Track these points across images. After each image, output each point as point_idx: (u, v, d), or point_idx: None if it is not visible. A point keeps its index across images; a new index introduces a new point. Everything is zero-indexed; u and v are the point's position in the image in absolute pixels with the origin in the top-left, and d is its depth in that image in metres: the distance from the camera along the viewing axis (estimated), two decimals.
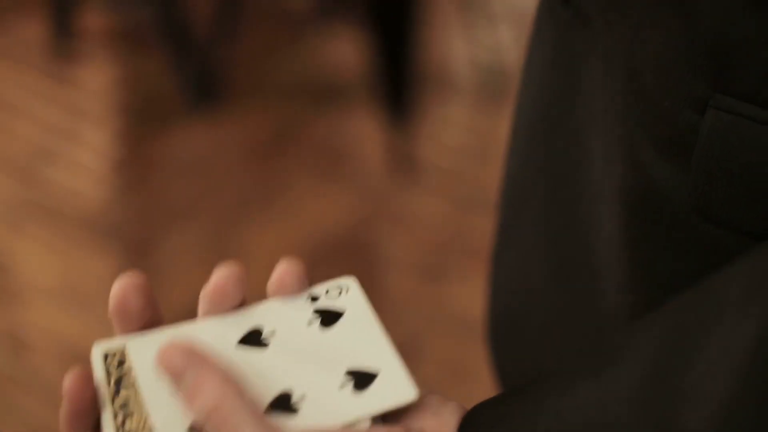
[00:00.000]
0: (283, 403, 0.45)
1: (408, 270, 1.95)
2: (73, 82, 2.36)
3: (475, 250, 1.98)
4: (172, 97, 2.30)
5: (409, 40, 2.14)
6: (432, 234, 2.02)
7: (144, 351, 0.49)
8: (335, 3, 2.48)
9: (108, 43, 2.44)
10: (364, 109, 2.26)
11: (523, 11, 2.43)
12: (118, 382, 0.49)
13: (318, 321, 0.49)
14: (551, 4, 0.56)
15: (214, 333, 0.49)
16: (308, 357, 0.47)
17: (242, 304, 0.49)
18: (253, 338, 0.48)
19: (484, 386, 1.78)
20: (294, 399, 0.45)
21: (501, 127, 2.26)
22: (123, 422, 0.47)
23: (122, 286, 0.47)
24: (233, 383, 0.43)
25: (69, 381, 0.46)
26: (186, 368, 0.43)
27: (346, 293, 0.50)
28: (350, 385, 0.46)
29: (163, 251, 1.96)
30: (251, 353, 0.47)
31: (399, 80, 2.16)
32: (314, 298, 0.50)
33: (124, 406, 0.48)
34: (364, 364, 0.46)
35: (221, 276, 0.48)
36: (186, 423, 0.45)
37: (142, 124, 2.25)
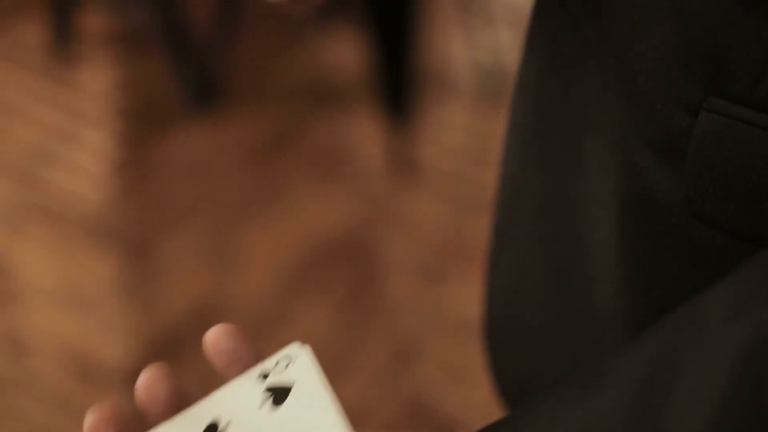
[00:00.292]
0: None
1: (407, 271, 1.95)
2: (73, 84, 2.36)
3: (474, 252, 1.98)
4: (171, 99, 2.30)
5: (408, 42, 2.14)
6: (431, 235, 2.02)
7: None
8: (334, 5, 2.48)
9: (108, 46, 2.44)
10: (364, 110, 2.26)
11: (522, 13, 2.43)
12: None
13: (270, 400, 0.48)
14: (546, 8, 0.56)
15: None
16: None
17: (177, 395, 0.49)
18: None
19: (483, 388, 1.78)
20: None
21: (500, 129, 2.26)
22: None
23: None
24: None
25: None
26: None
27: (296, 363, 0.50)
28: None
29: (162, 253, 1.97)
30: None
31: (398, 82, 2.16)
32: (265, 375, 0.49)
33: None
34: None
35: (145, 378, 0.49)
36: None
37: (141, 126, 2.25)
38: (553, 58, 0.56)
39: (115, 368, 1.78)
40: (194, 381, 1.91)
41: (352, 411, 1.88)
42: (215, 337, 0.49)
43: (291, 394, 0.48)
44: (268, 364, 0.50)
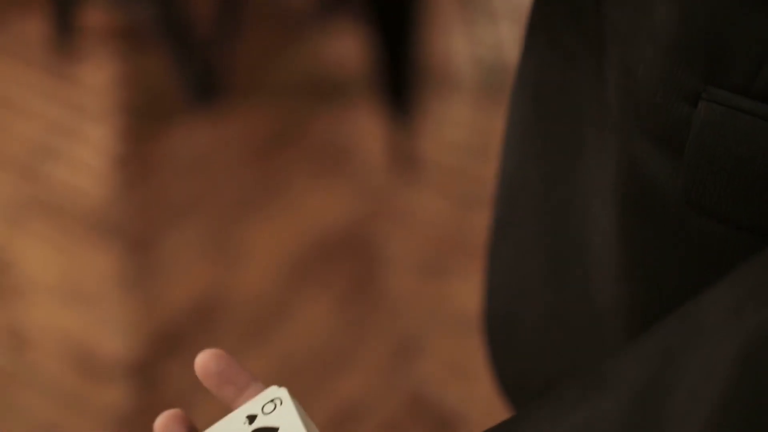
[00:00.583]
0: None
1: (408, 267, 1.95)
2: (75, 79, 2.36)
3: (475, 248, 1.98)
4: (173, 94, 2.30)
5: (410, 38, 2.14)
6: (433, 231, 2.02)
7: None
8: (336, 0, 2.48)
9: (109, 41, 2.44)
10: (365, 106, 2.26)
11: (523, 9, 2.43)
12: None
13: None
14: (545, 0, 0.56)
15: None
16: None
17: None
18: None
19: (483, 383, 1.79)
20: None
21: (502, 125, 2.26)
22: None
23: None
24: None
25: None
26: None
27: (280, 407, 0.51)
28: None
29: (163, 247, 1.97)
30: None
31: (400, 77, 2.16)
32: (252, 418, 0.52)
33: None
34: None
35: (161, 422, 0.52)
36: None
37: (143, 121, 2.25)
38: (553, 50, 0.56)
39: (116, 362, 1.78)
40: (194, 374, 1.92)
41: (353, 405, 1.90)
42: (204, 362, 0.51)
43: None
44: (254, 407, 0.52)
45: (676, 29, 0.44)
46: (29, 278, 1.94)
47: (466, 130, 2.24)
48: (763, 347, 0.36)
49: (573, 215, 0.56)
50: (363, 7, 2.23)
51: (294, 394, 1.71)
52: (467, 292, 1.90)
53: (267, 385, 1.58)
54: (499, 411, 1.72)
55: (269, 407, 0.51)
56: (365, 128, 2.23)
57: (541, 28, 0.58)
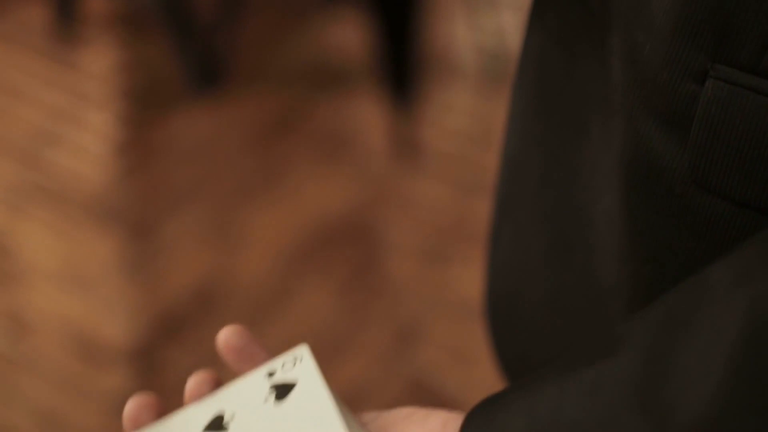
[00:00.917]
0: None
1: (409, 253, 1.95)
2: (76, 65, 2.36)
3: (476, 234, 1.98)
4: (174, 81, 2.30)
5: (412, 25, 2.13)
6: (434, 218, 2.02)
7: None
8: None
9: (111, 27, 2.44)
10: (367, 93, 2.26)
11: None
12: None
13: (273, 396, 0.51)
14: None
15: (185, 423, 0.52)
16: None
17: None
18: (217, 424, 0.51)
19: (484, 369, 1.79)
20: None
21: (503, 112, 2.26)
22: None
23: (135, 406, 0.51)
24: None
25: None
26: None
27: (300, 363, 0.52)
28: None
29: (164, 233, 1.97)
30: None
31: (402, 65, 2.16)
32: (271, 374, 0.52)
33: None
34: None
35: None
36: None
37: (144, 107, 2.25)
38: (557, 30, 0.56)
39: (116, 348, 1.79)
40: (195, 359, 1.93)
41: (355, 391, 1.90)
42: (226, 336, 0.52)
43: (293, 391, 0.51)
44: (275, 363, 0.52)
45: (682, 7, 0.44)
46: (30, 264, 1.94)
47: (468, 118, 2.24)
48: None
49: (576, 196, 0.56)
50: None
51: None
52: (468, 278, 1.90)
53: None
54: None
55: (289, 364, 0.52)
56: (367, 115, 2.23)
57: (544, 9, 0.58)
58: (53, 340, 1.81)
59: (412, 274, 1.91)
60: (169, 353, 1.77)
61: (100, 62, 2.36)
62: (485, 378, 1.76)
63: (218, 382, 0.52)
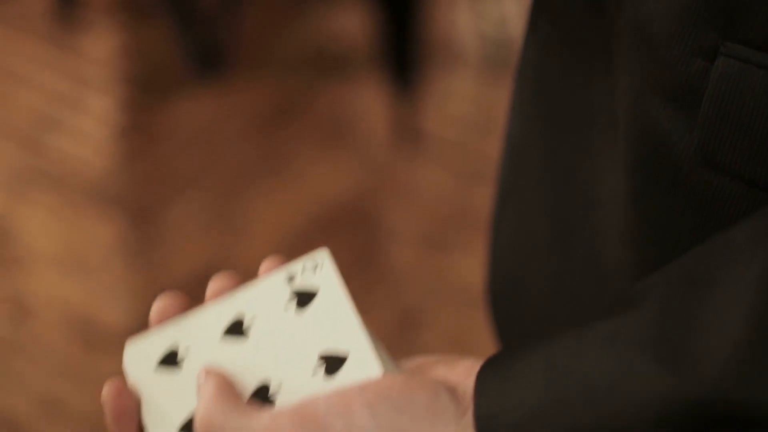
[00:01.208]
0: (262, 395, 0.47)
1: (410, 240, 1.95)
2: (77, 50, 2.35)
3: (477, 221, 1.98)
4: (176, 66, 2.29)
5: (414, 12, 2.13)
6: (435, 205, 2.02)
7: (139, 353, 0.51)
8: None
9: (112, 12, 2.43)
10: (369, 80, 2.26)
11: None
12: None
13: (294, 302, 0.50)
14: None
15: (203, 326, 0.51)
16: (285, 343, 0.49)
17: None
18: (236, 328, 0.50)
19: (485, 355, 1.79)
20: (271, 390, 0.47)
21: (505, 100, 2.26)
22: None
23: (163, 305, 0.51)
24: (224, 389, 0.46)
25: (107, 390, 0.48)
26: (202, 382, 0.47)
27: (321, 269, 0.51)
28: (322, 370, 0.47)
29: (166, 219, 1.97)
30: (234, 344, 0.50)
31: (404, 52, 2.15)
32: (291, 278, 0.51)
33: None
34: (335, 347, 0.48)
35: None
36: (177, 423, 0.48)
37: (145, 93, 2.25)
38: (563, 7, 0.56)
39: (117, 333, 1.79)
40: None
41: None
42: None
43: (315, 300, 0.50)
44: (294, 267, 0.52)
45: None
46: (31, 248, 1.94)
47: (470, 105, 2.24)
48: None
49: (579, 176, 0.56)
50: None
51: None
52: (469, 265, 1.90)
53: None
54: None
55: (309, 269, 0.52)
56: (369, 102, 2.23)
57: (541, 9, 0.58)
58: (54, 325, 1.81)
59: (413, 261, 1.91)
60: None
61: (101, 47, 2.35)
62: None
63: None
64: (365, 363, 0.47)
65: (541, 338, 0.44)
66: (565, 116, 0.57)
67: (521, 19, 2.36)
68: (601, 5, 0.51)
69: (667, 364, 0.39)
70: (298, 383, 0.47)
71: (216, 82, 2.27)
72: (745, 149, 0.44)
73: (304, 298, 0.50)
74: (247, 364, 0.49)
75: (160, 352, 0.50)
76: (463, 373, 0.46)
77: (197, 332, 0.51)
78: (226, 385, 0.46)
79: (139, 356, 0.51)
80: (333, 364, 0.47)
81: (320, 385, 0.47)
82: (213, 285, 0.51)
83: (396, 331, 1.80)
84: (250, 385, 0.48)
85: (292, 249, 1.92)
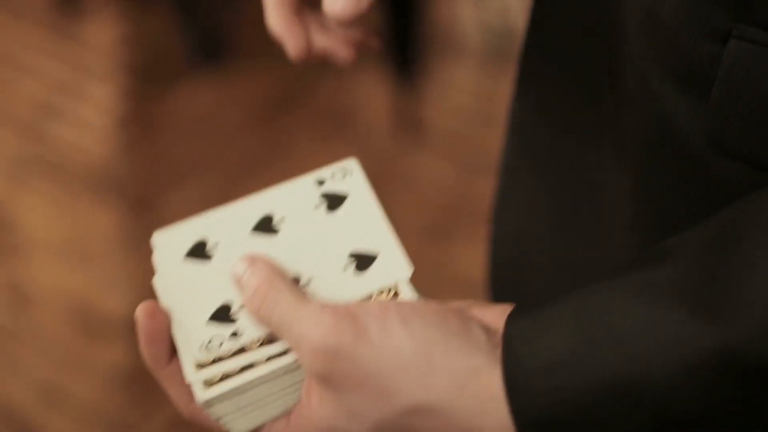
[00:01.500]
0: None
1: (411, 231, 1.95)
2: (79, 38, 2.35)
3: (478, 212, 1.97)
4: (177, 55, 2.29)
5: (416, 2, 2.13)
6: (436, 196, 2.02)
7: (168, 243, 0.53)
8: None
9: (114, 0, 2.43)
10: (371, 70, 2.25)
11: None
12: None
13: (324, 205, 0.51)
14: None
15: (231, 221, 0.52)
16: (315, 241, 0.50)
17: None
18: (265, 225, 0.51)
19: None
20: (302, 283, 0.48)
21: (507, 91, 2.25)
22: None
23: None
24: (276, 270, 0.47)
25: (140, 311, 0.49)
26: (245, 268, 0.48)
27: (350, 176, 0.53)
28: (352, 267, 0.49)
29: (166, 208, 1.96)
30: (264, 239, 0.51)
31: (406, 42, 2.15)
32: (320, 182, 0.52)
33: None
34: (365, 247, 0.50)
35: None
36: (208, 311, 0.48)
37: (147, 81, 2.24)
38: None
39: (117, 322, 1.79)
40: None
41: None
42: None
43: (344, 203, 0.52)
44: (323, 172, 0.53)
45: None
46: (31, 237, 1.94)
47: (471, 96, 2.24)
48: None
49: (584, 160, 0.56)
50: None
51: None
52: (470, 256, 1.89)
53: None
54: None
55: (338, 175, 0.53)
56: (370, 92, 2.22)
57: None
58: (54, 313, 1.81)
59: (414, 252, 1.90)
60: None
61: (103, 35, 2.35)
62: None
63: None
64: (395, 262, 0.49)
65: (572, 290, 0.44)
66: (571, 104, 0.56)
67: (523, 10, 2.35)
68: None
69: (701, 315, 0.39)
70: (329, 279, 0.48)
71: (217, 71, 2.26)
72: (756, 133, 0.44)
73: (333, 201, 0.51)
74: (276, 258, 0.49)
75: (189, 243, 0.52)
76: (496, 316, 0.46)
77: (225, 227, 0.52)
78: (277, 269, 0.48)
79: (168, 245, 0.52)
80: (363, 262, 0.49)
81: (350, 281, 0.48)
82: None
83: None
84: None
85: None
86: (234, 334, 0.47)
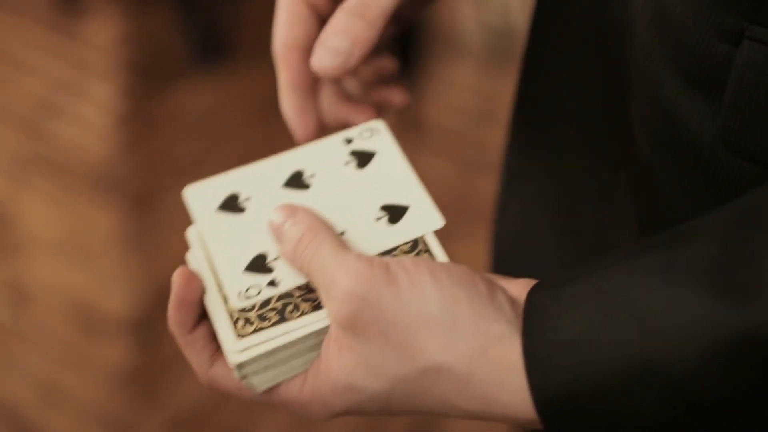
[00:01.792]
0: None
1: None
2: (79, 36, 2.35)
3: (479, 212, 1.97)
4: (178, 53, 2.29)
5: None
6: (437, 195, 2.00)
7: (200, 196, 0.53)
8: None
9: None
10: None
11: None
12: None
13: (353, 162, 0.52)
14: None
15: (262, 177, 0.53)
16: (346, 195, 0.51)
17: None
18: (296, 180, 0.52)
19: None
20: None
21: (508, 90, 2.25)
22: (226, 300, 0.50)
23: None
24: (319, 219, 0.48)
25: (177, 275, 0.51)
26: (285, 218, 0.49)
27: (378, 135, 0.54)
28: (385, 218, 0.50)
29: (166, 206, 1.96)
30: (295, 194, 0.52)
31: (406, 41, 2.15)
32: (348, 141, 0.53)
33: None
34: (396, 200, 0.50)
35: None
36: (245, 259, 0.49)
37: (147, 80, 2.24)
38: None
39: (118, 319, 1.78)
40: None
41: None
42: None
43: (373, 159, 0.53)
44: (351, 132, 0.54)
45: None
46: (31, 235, 1.94)
47: (472, 95, 2.24)
48: None
49: (592, 168, 0.56)
50: None
51: None
52: (471, 255, 1.89)
53: None
54: None
55: (366, 134, 0.54)
56: None
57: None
58: (54, 311, 1.81)
59: None
60: None
61: (103, 34, 2.35)
62: None
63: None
64: (426, 213, 0.50)
65: (595, 262, 0.44)
66: (578, 106, 0.56)
67: (524, 10, 2.35)
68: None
69: (722, 295, 0.39)
70: (362, 230, 0.49)
71: (217, 69, 2.26)
72: None
73: (362, 158, 0.52)
74: None
75: (221, 196, 0.52)
76: (520, 288, 0.46)
77: (256, 182, 0.52)
78: (319, 218, 0.49)
79: (201, 198, 0.52)
80: (395, 213, 0.50)
81: (383, 232, 0.49)
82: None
83: None
84: None
85: None
86: (272, 283, 0.48)
